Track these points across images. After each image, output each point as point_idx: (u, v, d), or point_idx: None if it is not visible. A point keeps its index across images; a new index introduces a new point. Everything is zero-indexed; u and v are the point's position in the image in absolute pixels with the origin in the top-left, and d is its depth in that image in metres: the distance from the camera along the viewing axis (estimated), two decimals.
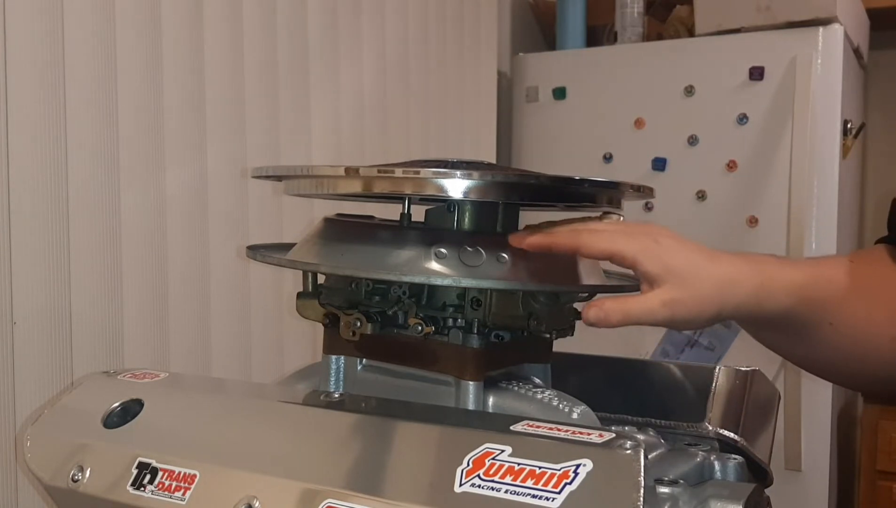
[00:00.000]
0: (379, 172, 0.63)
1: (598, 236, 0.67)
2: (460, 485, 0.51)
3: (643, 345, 2.08)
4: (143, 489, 0.60)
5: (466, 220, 0.69)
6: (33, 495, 0.97)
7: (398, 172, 0.62)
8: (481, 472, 0.51)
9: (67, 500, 0.64)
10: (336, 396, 0.66)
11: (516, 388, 0.67)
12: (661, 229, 0.70)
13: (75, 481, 0.63)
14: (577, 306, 0.72)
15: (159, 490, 0.59)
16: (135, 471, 0.61)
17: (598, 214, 0.73)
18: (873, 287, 0.78)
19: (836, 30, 1.95)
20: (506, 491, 0.49)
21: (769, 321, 0.74)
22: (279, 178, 0.76)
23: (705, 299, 0.68)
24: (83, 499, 0.63)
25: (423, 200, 0.71)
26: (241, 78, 1.34)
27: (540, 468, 0.50)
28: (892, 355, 0.77)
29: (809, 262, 0.81)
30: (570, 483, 0.48)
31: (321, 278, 0.74)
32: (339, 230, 0.69)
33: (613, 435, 0.52)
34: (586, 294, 0.71)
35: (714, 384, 0.77)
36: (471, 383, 0.65)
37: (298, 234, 0.80)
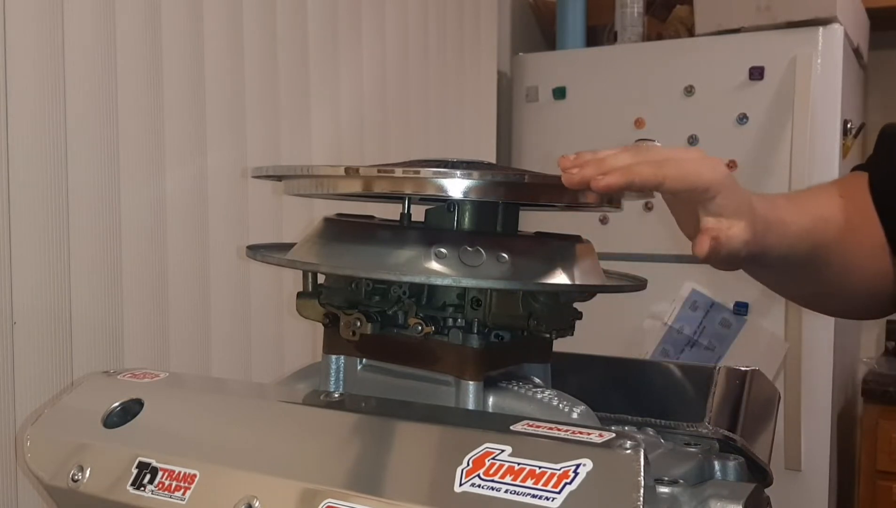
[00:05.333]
0: (379, 172, 0.62)
1: (684, 168, 0.63)
2: (460, 485, 0.51)
3: (643, 345, 2.09)
4: (143, 489, 0.60)
5: (466, 220, 0.69)
6: (33, 495, 0.97)
7: (398, 172, 0.62)
8: (481, 472, 0.51)
9: (67, 500, 0.64)
10: (336, 396, 0.66)
11: (516, 388, 0.67)
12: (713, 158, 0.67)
13: (75, 481, 0.63)
14: (577, 305, 0.72)
15: (159, 489, 0.59)
16: (135, 471, 0.61)
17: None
18: (860, 223, 0.80)
19: (836, 30, 1.95)
20: (506, 491, 0.49)
21: (784, 265, 0.76)
22: (279, 178, 0.76)
23: (759, 239, 0.69)
24: (83, 499, 0.63)
25: (423, 200, 0.71)
26: (242, 78, 1.34)
27: (540, 468, 0.50)
28: (871, 284, 0.81)
29: (808, 203, 0.82)
30: (570, 483, 0.48)
31: (321, 278, 0.74)
32: (339, 230, 0.69)
33: (613, 435, 0.52)
34: (586, 294, 0.71)
35: (714, 384, 0.77)
36: (471, 383, 0.65)
37: (298, 234, 0.80)
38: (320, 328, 0.73)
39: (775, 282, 0.85)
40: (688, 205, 0.69)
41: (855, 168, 0.86)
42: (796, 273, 0.80)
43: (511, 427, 0.54)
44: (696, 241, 0.66)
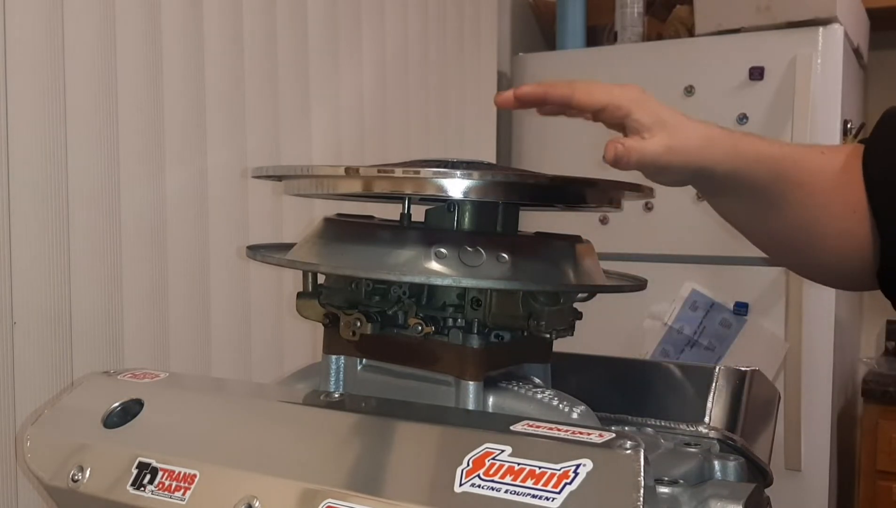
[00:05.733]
0: (379, 172, 0.63)
1: (592, 87, 0.72)
2: (460, 485, 0.51)
3: (643, 345, 2.09)
4: (143, 489, 0.60)
5: (466, 220, 0.69)
6: (33, 495, 0.97)
7: (398, 172, 0.62)
8: (481, 472, 0.51)
9: (67, 500, 0.64)
10: (336, 396, 0.66)
11: (516, 388, 0.67)
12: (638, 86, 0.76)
13: (75, 481, 0.63)
14: (577, 305, 0.73)
15: (159, 490, 0.59)
16: (135, 471, 0.61)
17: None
18: (836, 180, 0.81)
19: (836, 30, 1.95)
20: (506, 491, 0.49)
21: (737, 187, 0.78)
22: (279, 178, 0.76)
23: (692, 151, 0.74)
24: (83, 499, 0.63)
25: (423, 200, 0.71)
26: (242, 78, 1.34)
27: (540, 468, 0.50)
28: (834, 244, 0.82)
29: (782, 142, 0.85)
30: (570, 483, 0.48)
31: (321, 278, 0.74)
32: (339, 230, 0.69)
33: (613, 435, 0.52)
34: (586, 294, 0.71)
35: (714, 384, 0.77)
36: (471, 383, 0.65)
37: (298, 234, 0.80)
38: (320, 328, 0.73)
39: (737, 214, 0.85)
40: (621, 131, 0.76)
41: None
42: (754, 203, 0.81)
43: (511, 427, 0.54)
44: (606, 148, 0.72)
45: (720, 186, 0.80)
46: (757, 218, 0.84)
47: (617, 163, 0.72)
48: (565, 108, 0.76)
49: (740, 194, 0.80)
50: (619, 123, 0.75)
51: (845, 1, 1.99)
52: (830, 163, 0.82)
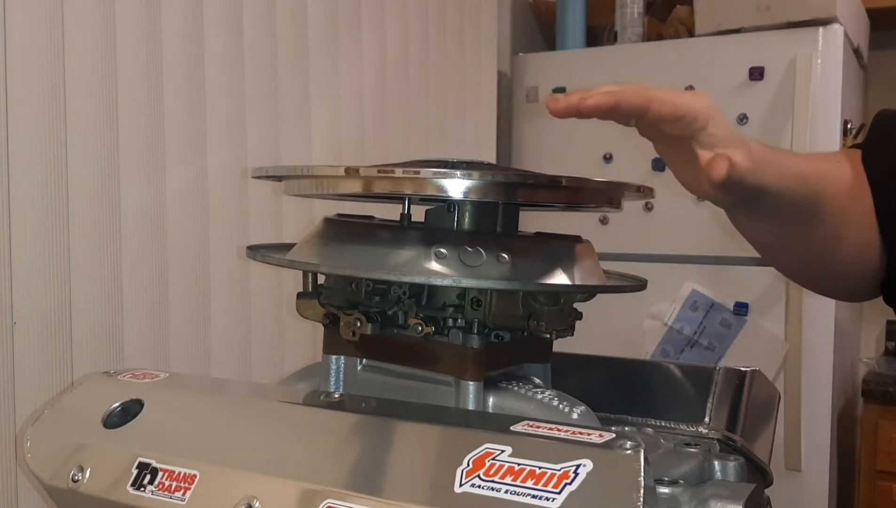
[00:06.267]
0: (379, 172, 0.62)
1: (669, 96, 0.64)
2: (460, 485, 0.51)
3: (643, 345, 2.09)
4: (143, 489, 0.60)
5: (466, 220, 0.69)
6: (33, 495, 0.97)
7: (398, 172, 0.62)
8: (481, 472, 0.51)
9: (67, 500, 0.64)
10: (336, 396, 0.66)
11: (516, 388, 0.67)
12: None
13: (75, 481, 0.63)
14: (577, 305, 0.72)
15: (159, 490, 0.59)
16: (135, 471, 0.61)
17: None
18: (851, 190, 0.80)
19: (836, 30, 1.95)
20: (506, 492, 0.49)
21: (780, 207, 0.75)
22: (279, 178, 0.76)
23: (759, 172, 0.69)
24: (83, 499, 0.63)
25: (424, 200, 0.71)
26: (242, 78, 1.34)
27: (540, 468, 0.50)
28: (854, 253, 0.81)
29: (805, 156, 0.84)
30: (570, 484, 0.48)
31: (321, 278, 0.74)
32: (339, 230, 0.69)
33: (613, 435, 0.52)
34: (586, 294, 0.71)
35: (714, 384, 0.77)
36: (471, 383, 0.65)
37: (298, 234, 0.80)
38: (320, 328, 0.73)
39: (767, 232, 0.82)
40: (679, 144, 0.69)
41: (851, 147, 0.88)
42: (790, 223, 0.79)
43: (511, 428, 0.54)
44: (712, 163, 0.65)
45: (763, 206, 0.76)
46: (791, 237, 0.81)
47: (729, 178, 0.65)
48: (633, 117, 0.68)
49: (780, 214, 0.77)
50: (683, 136, 0.68)
51: (845, 1, 1.99)
52: (845, 173, 0.81)
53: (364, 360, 0.72)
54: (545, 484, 0.49)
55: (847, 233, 0.81)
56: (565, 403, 0.65)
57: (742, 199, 0.74)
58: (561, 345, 0.73)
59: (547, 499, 0.48)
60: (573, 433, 0.53)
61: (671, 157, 0.74)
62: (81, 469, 0.63)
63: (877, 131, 0.85)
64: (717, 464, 0.67)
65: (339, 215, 0.73)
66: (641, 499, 0.46)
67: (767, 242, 0.85)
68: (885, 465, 2.10)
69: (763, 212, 0.77)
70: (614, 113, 0.64)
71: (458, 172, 0.61)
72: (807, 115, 1.92)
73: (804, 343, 1.95)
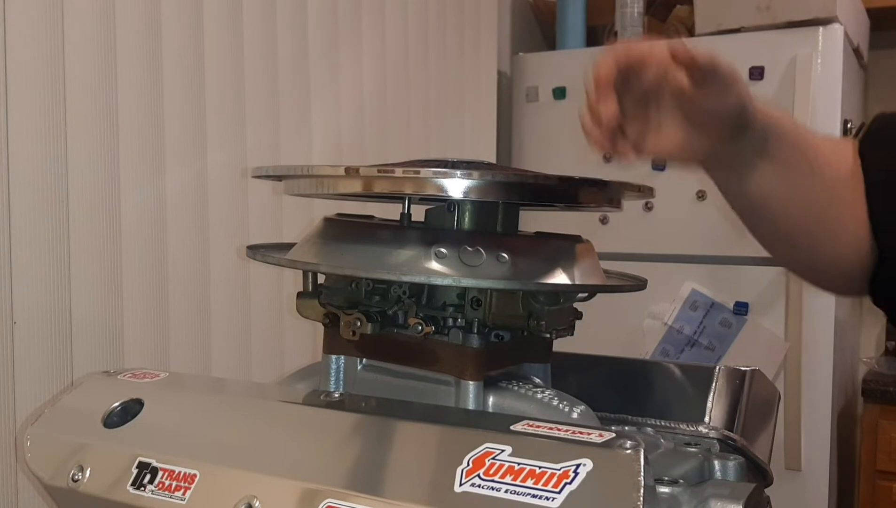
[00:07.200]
0: (379, 172, 0.63)
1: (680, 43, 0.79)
2: (460, 485, 0.51)
3: (643, 345, 2.09)
4: (143, 489, 0.60)
5: (466, 220, 0.69)
6: (33, 495, 0.97)
7: (398, 172, 0.62)
8: (481, 472, 0.51)
9: (67, 500, 0.64)
10: (336, 396, 0.66)
11: (516, 388, 0.67)
12: None
13: (75, 481, 0.63)
14: (577, 305, 0.73)
15: (159, 489, 0.59)
16: (135, 471, 0.61)
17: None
18: (850, 169, 0.84)
19: (836, 30, 1.95)
20: (506, 491, 0.49)
21: (761, 147, 0.82)
22: (279, 178, 0.76)
23: (747, 103, 0.83)
24: (83, 499, 0.63)
25: (424, 200, 0.71)
26: (242, 78, 1.34)
27: (540, 467, 0.50)
28: (851, 237, 0.83)
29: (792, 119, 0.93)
30: (570, 483, 0.48)
31: (321, 278, 0.74)
32: (339, 230, 0.69)
33: (613, 435, 0.52)
34: (586, 294, 0.71)
35: (714, 384, 0.77)
36: (471, 382, 0.65)
37: (298, 234, 0.80)
38: (320, 328, 0.73)
39: (764, 182, 0.84)
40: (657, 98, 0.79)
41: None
42: (783, 166, 0.82)
43: (511, 427, 0.54)
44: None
45: (759, 144, 0.82)
46: (788, 186, 0.83)
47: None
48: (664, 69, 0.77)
49: (775, 158, 0.81)
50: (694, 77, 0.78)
51: (845, 1, 1.99)
52: (844, 150, 0.85)
53: (364, 360, 0.72)
54: (545, 484, 0.49)
55: (844, 210, 0.82)
56: (565, 403, 0.65)
57: (737, 129, 0.81)
58: (561, 345, 0.73)
59: (547, 499, 0.48)
60: (573, 432, 0.53)
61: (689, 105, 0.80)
62: (81, 469, 0.63)
63: (875, 132, 0.85)
64: (716, 464, 0.67)
65: (339, 214, 0.73)
66: (641, 499, 0.46)
67: (767, 194, 0.85)
68: (885, 465, 2.10)
69: (760, 152, 0.82)
70: (642, 67, 0.74)
71: (458, 172, 0.61)
72: (807, 114, 1.92)
73: (804, 343, 1.94)
